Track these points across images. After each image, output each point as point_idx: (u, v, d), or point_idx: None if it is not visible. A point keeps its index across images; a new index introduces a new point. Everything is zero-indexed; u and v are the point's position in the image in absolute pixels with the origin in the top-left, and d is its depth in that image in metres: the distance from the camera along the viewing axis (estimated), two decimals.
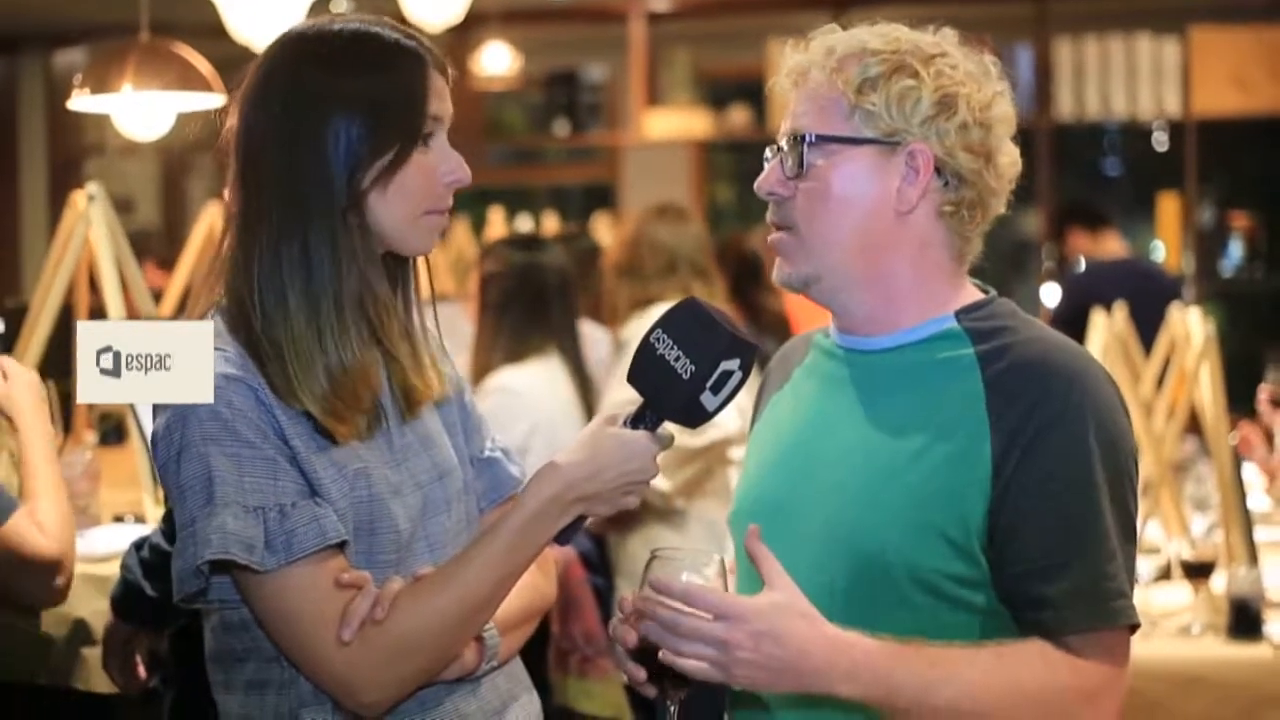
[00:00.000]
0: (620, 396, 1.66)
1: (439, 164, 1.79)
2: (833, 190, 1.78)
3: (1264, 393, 4.23)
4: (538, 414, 3.78)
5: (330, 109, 1.74)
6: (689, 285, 4.07)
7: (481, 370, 3.89)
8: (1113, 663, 1.69)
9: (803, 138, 1.78)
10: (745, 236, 5.65)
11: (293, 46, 1.81)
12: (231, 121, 1.81)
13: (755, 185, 1.84)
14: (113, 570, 2.79)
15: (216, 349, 1.72)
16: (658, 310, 3.78)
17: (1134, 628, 1.73)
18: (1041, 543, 1.68)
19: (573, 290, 4.04)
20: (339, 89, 1.75)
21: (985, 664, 1.65)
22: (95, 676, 2.82)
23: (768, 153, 1.85)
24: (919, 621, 1.69)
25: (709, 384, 1.71)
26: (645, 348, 1.75)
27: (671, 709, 1.74)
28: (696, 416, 1.74)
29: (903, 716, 1.65)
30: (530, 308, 3.92)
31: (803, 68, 1.82)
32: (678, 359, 1.72)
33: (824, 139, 1.78)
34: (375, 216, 1.77)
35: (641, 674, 1.72)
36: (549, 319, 3.93)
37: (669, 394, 1.73)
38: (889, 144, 1.76)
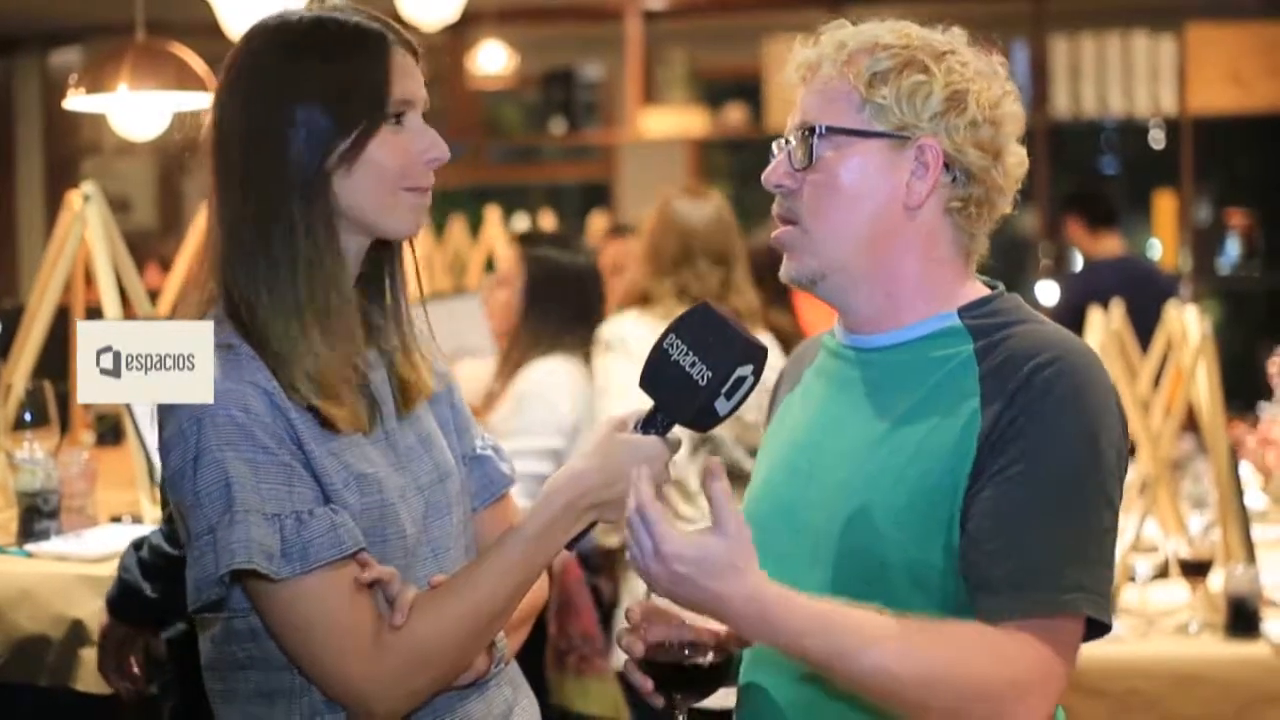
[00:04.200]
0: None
1: (413, 142, 1.77)
2: (841, 182, 1.76)
3: (1273, 366, 4.26)
4: (570, 404, 3.78)
5: (292, 97, 1.73)
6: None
7: (515, 362, 3.87)
8: (1051, 654, 1.62)
9: (812, 129, 1.77)
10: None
11: (257, 39, 1.80)
12: (207, 119, 1.80)
13: (763, 177, 1.82)
14: (111, 571, 2.78)
15: (227, 348, 1.70)
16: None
17: (1098, 625, 1.66)
18: (992, 526, 1.64)
19: (604, 293, 4.08)
20: (299, 76, 1.74)
21: (912, 637, 1.60)
22: (93, 677, 2.81)
23: (774, 148, 1.84)
24: None
25: (724, 390, 1.71)
26: (659, 354, 1.74)
27: (680, 718, 1.74)
28: (708, 421, 1.74)
29: (832, 675, 1.62)
30: (577, 305, 3.93)
31: (812, 62, 1.81)
32: (693, 365, 1.71)
33: (834, 131, 1.76)
34: (349, 200, 1.75)
35: (649, 684, 1.72)
36: (589, 319, 3.94)
37: (684, 400, 1.73)
38: (899, 138, 1.75)
